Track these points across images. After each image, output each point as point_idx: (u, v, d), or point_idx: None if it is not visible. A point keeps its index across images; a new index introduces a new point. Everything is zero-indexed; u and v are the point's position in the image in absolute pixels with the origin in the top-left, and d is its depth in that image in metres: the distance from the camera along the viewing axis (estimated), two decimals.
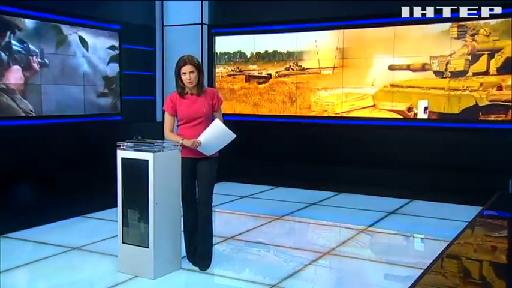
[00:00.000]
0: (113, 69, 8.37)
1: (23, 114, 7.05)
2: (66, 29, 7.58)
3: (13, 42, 6.90)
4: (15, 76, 6.95)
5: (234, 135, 4.17)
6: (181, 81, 4.13)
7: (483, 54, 7.19)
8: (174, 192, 4.11)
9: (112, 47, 8.32)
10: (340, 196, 7.18)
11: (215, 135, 4.12)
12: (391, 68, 7.78)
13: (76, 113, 7.82)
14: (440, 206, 6.52)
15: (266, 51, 8.79)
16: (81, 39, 7.83)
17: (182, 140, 4.09)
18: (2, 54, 6.77)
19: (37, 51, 7.20)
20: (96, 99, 8.13)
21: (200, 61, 4.26)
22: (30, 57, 7.12)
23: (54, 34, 7.45)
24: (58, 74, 7.51)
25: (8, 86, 6.86)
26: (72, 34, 7.68)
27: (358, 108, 8.07)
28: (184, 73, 4.10)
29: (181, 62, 4.12)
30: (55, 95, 7.49)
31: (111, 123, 8.27)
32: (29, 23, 7.06)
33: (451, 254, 3.96)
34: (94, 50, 8.04)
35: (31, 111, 7.14)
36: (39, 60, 7.22)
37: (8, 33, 6.84)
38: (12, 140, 6.63)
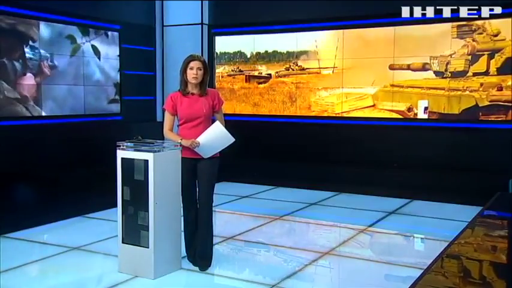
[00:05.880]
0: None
1: None
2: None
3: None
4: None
5: (233, 139, 4.15)
6: (186, 77, 4.13)
7: (483, 55, 7.20)
8: (174, 192, 4.10)
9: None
10: (340, 196, 7.18)
11: (214, 137, 4.10)
12: (391, 68, 7.78)
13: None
14: (440, 206, 6.51)
15: (266, 51, 8.79)
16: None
17: (181, 139, 4.09)
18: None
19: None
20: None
21: None
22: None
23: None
24: None
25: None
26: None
27: (358, 108, 8.07)
28: (192, 68, 4.09)
29: (190, 57, 4.13)
30: None
31: (111, 123, 8.27)
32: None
33: (451, 254, 3.96)
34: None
35: None
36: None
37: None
38: (12, 140, 6.63)
